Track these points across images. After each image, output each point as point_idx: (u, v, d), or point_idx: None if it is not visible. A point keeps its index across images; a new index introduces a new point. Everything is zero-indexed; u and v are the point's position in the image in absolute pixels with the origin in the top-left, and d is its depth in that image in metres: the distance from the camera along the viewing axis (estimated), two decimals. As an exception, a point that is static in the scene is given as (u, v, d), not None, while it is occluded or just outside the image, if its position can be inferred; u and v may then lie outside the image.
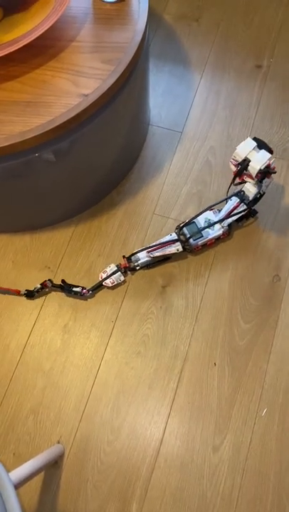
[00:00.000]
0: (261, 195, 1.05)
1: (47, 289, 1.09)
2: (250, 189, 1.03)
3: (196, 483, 0.93)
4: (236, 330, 1.04)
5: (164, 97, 1.32)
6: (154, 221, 1.17)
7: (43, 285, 1.06)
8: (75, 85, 0.88)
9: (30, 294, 1.07)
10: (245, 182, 0.99)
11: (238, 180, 0.96)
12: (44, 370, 1.03)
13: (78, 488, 0.94)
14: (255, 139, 0.91)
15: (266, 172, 0.93)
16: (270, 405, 0.98)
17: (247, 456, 0.94)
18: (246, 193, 1.05)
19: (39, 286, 1.06)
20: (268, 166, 0.91)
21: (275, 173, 0.99)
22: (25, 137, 0.81)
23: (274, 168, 0.98)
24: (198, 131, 1.26)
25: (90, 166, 1.04)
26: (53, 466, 0.95)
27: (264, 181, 0.99)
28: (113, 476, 0.94)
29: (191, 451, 0.95)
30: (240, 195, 1.06)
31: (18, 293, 1.07)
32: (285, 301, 1.06)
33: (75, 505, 0.93)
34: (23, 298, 1.09)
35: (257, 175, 0.92)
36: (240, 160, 0.92)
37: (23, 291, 1.07)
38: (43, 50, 0.91)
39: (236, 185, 1.00)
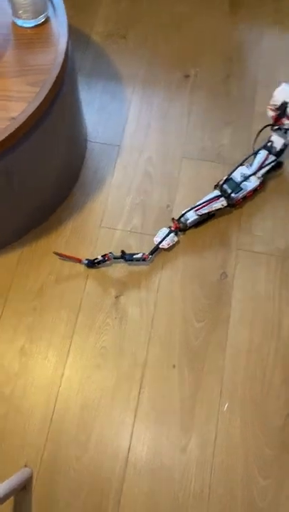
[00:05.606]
0: (286, 146, 1.13)
1: (108, 262, 1.12)
2: (277, 141, 1.14)
3: (167, 486, 0.94)
4: (191, 330, 1.06)
5: (99, 113, 1.35)
6: (102, 234, 1.18)
7: (105, 257, 1.10)
8: (3, 110, 0.89)
9: (90, 264, 1.11)
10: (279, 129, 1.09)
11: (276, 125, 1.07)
12: (4, 396, 1.02)
13: (50, 509, 0.93)
14: None
15: None
16: (230, 400, 1.00)
17: (214, 453, 0.96)
18: (274, 144, 1.15)
19: (100, 257, 1.10)
20: None
21: None
22: None
23: None
24: (135, 143, 1.30)
25: (29, 186, 1.05)
26: (22, 491, 0.94)
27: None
28: (85, 492, 0.94)
29: (159, 455, 0.96)
30: (268, 147, 1.17)
31: (79, 261, 1.11)
32: (234, 297, 1.09)
33: (48, 528, 0.91)
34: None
35: None
36: (278, 104, 0.99)
37: (84, 260, 1.11)
38: None
39: (275, 130, 1.13)
